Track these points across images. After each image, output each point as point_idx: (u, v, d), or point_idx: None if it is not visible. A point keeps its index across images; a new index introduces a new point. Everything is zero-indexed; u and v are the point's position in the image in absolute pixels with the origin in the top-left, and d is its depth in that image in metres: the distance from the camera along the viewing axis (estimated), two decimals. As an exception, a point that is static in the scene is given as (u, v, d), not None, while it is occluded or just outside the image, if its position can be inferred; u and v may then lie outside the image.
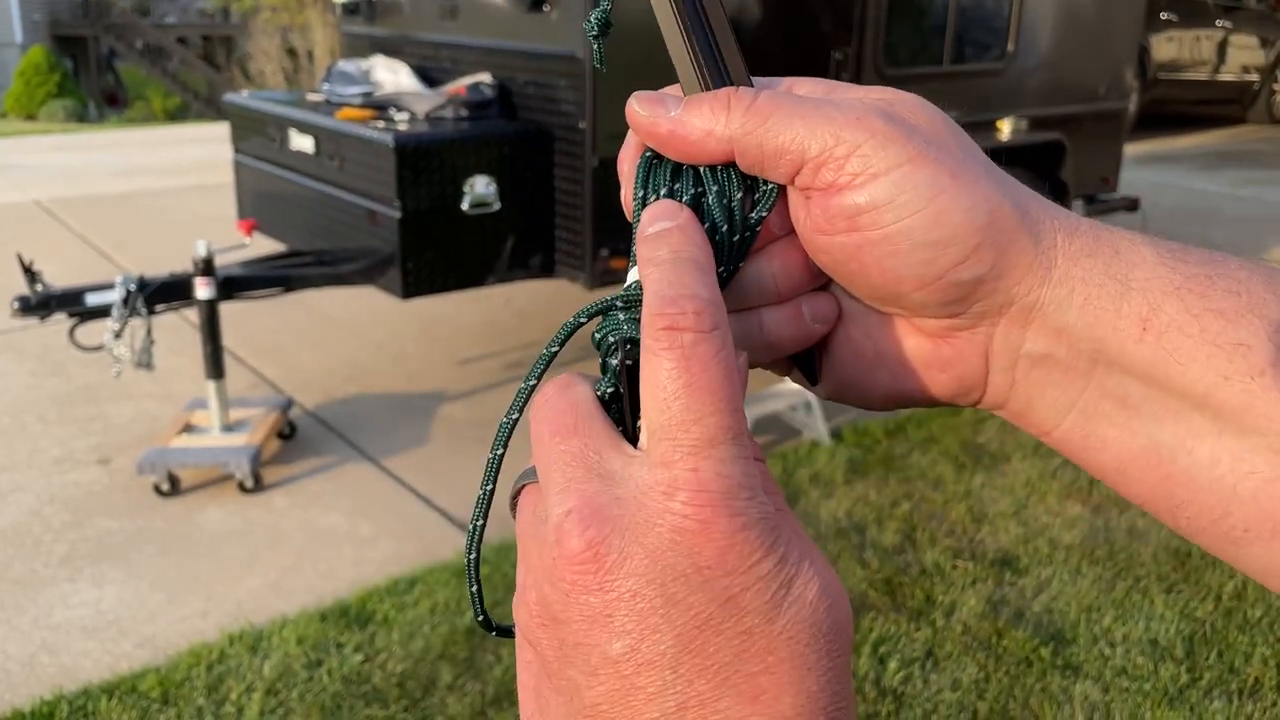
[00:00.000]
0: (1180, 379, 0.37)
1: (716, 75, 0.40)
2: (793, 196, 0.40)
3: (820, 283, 0.42)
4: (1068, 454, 0.41)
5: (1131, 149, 8.90)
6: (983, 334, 0.40)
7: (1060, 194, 5.22)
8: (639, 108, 0.40)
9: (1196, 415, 0.37)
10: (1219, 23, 12.39)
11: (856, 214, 0.37)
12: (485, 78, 4.17)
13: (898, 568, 3.23)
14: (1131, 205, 5.97)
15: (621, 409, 0.37)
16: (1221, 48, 12.47)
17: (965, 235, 0.37)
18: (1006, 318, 0.39)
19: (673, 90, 0.42)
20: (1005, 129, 4.96)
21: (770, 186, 0.40)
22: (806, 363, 0.44)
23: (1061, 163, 5.18)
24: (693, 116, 0.39)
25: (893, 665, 2.77)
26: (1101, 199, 5.92)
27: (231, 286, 3.85)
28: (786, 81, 0.42)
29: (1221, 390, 0.37)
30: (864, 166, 0.37)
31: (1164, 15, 11.54)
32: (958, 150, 0.38)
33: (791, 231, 0.41)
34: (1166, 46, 11.80)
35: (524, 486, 0.39)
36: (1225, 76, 12.76)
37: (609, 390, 0.38)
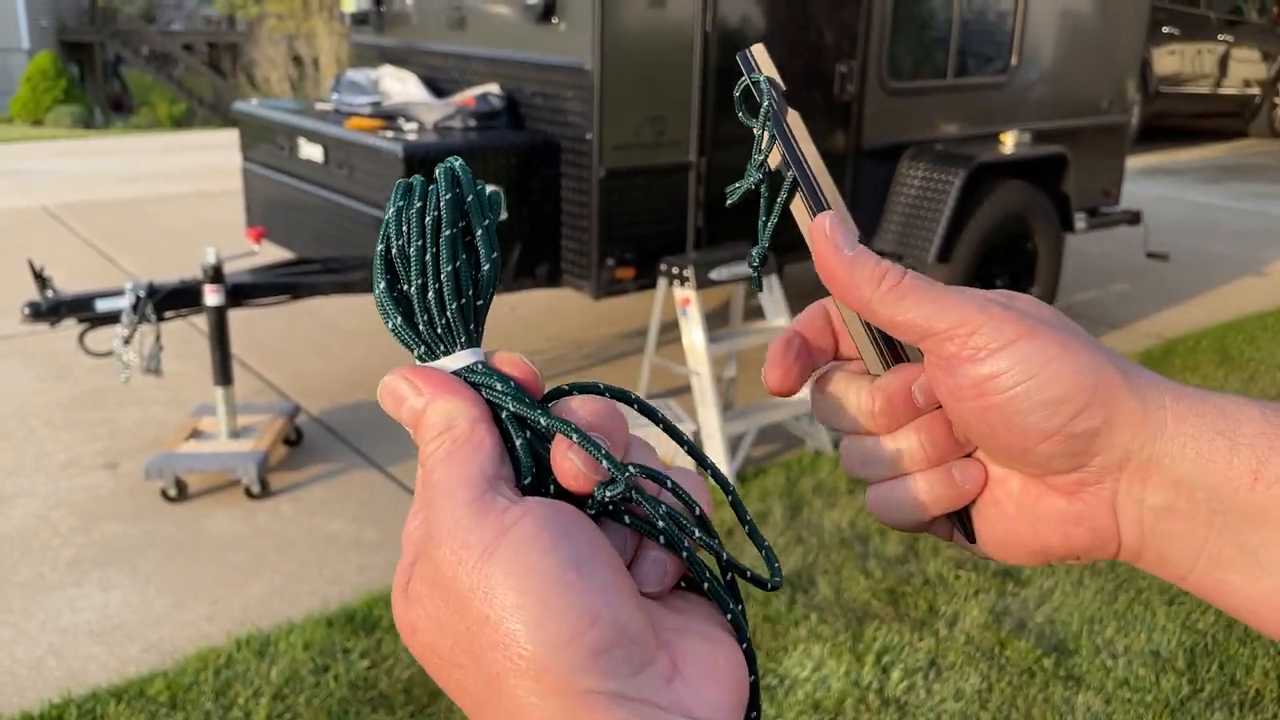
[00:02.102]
0: None
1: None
2: (931, 373, 0.47)
3: (967, 450, 0.49)
4: (1204, 598, 0.46)
5: (1134, 162, 8.94)
6: (1108, 488, 0.45)
7: (1062, 206, 5.25)
8: (828, 229, 0.47)
9: None
10: (1221, 36, 12.44)
11: (982, 382, 0.44)
12: (493, 88, 4.21)
13: (901, 578, 3.24)
14: (1133, 218, 6.00)
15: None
16: (1223, 61, 12.51)
17: (1076, 393, 0.43)
18: (1127, 472, 0.44)
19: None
20: (1008, 142, 4.99)
21: None
22: (963, 523, 0.50)
23: (1064, 175, 5.20)
24: (857, 272, 0.46)
25: (896, 674, 2.78)
26: (1103, 212, 5.94)
27: (240, 293, 3.88)
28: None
29: None
30: (985, 342, 0.43)
31: (1166, 29, 11.59)
32: (1065, 329, 0.45)
33: (938, 406, 0.48)
34: (1169, 60, 11.84)
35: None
36: (1227, 90, 12.80)
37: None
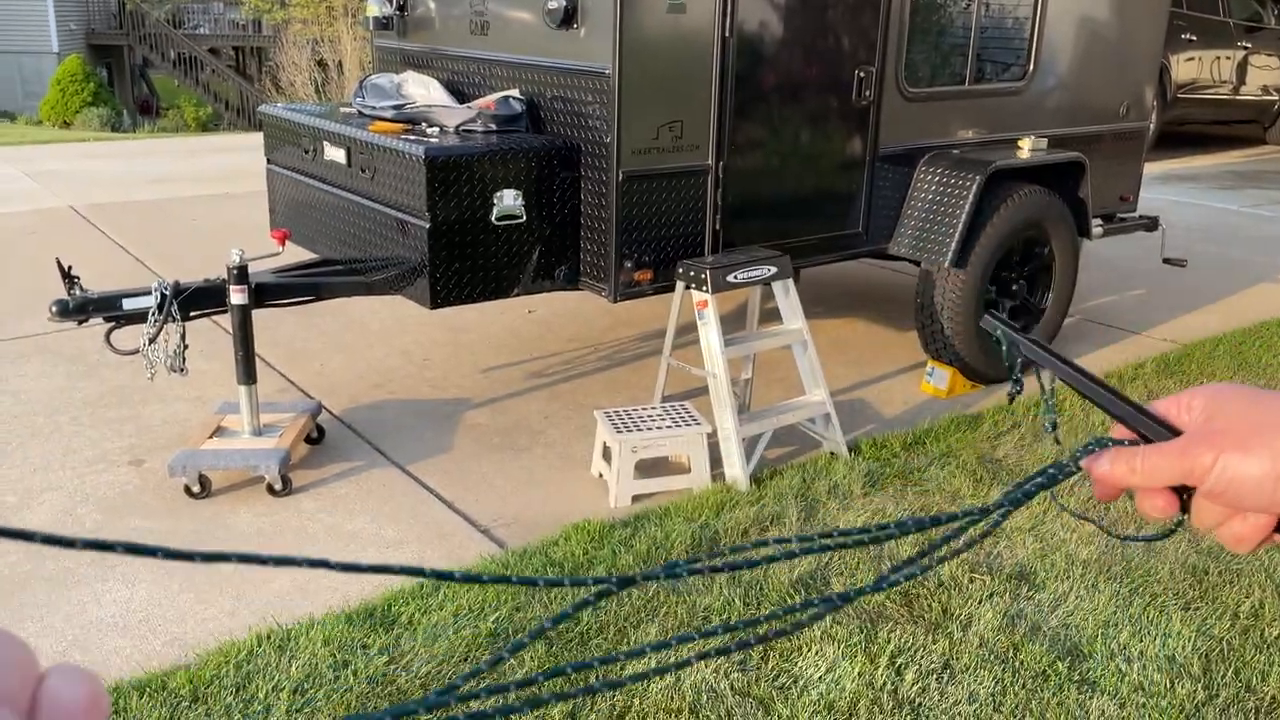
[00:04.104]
0: None
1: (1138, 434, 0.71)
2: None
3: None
4: None
5: (1151, 168, 8.89)
6: None
7: (1079, 212, 5.25)
8: (1092, 464, 0.69)
9: None
10: (1240, 43, 12.36)
11: (1211, 490, 0.64)
12: (514, 93, 4.25)
13: (915, 580, 3.26)
14: (1151, 224, 5.98)
15: None
16: (1242, 68, 12.43)
17: (1262, 478, 0.62)
18: None
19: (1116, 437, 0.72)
20: (1025, 148, 4.99)
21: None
22: None
23: (1081, 181, 5.20)
24: (1118, 473, 0.68)
25: (910, 676, 2.80)
26: (1121, 217, 5.93)
27: (264, 294, 3.94)
28: (1178, 401, 0.70)
29: None
30: (1203, 472, 0.64)
31: (1185, 35, 11.53)
32: (1252, 424, 0.63)
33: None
34: (1187, 66, 11.78)
35: None
36: (1245, 96, 12.72)
37: None
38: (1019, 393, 0.80)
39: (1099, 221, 5.54)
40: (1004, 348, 0.75)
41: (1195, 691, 2.79)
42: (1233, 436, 0.63)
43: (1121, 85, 5.70)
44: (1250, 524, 0.66)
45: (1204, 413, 0.66)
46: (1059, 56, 5.34)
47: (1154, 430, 0.69)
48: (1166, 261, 6.04)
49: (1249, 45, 12.43)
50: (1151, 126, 6.53)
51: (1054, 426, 0.77)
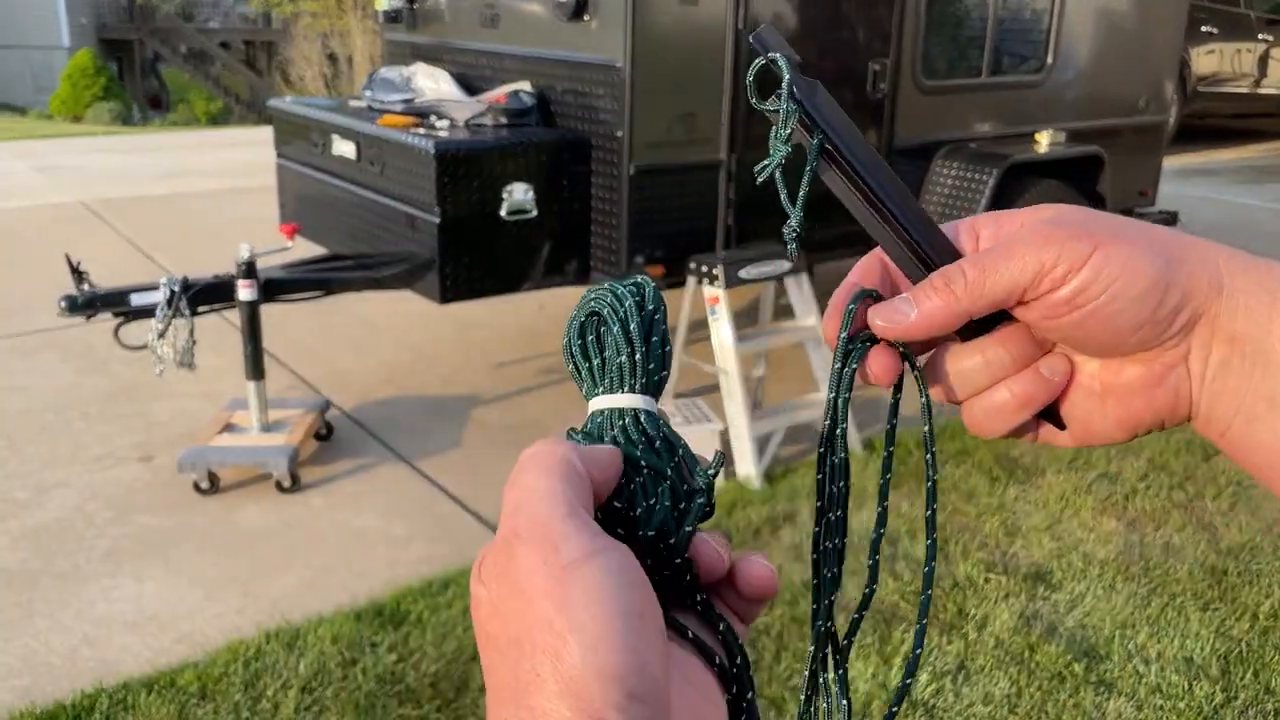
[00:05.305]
0: None
1: (922, 258, 0.51)
2: (1017, 308, 0.50)
3: (1048, 349, 0.52)
4: (1232, 455, 0.49)
5: (1170, 162, 8.81)
6: (1183, 349, 0.48)
7: (1098, 206, 5.18)
8: (884, 322, 0.49)
9: None
10: (1260, 36, 12.24)
11: (1073, 297, 0.47)
12: (525, 86, 4.22)
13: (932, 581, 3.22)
14: (1170, 219, 5.92)
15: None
16: (1263, 61, 12.31)
17: (1155, 279, 0.46)
18: (1197, 332, 0.48)
19: (866, 275, 0.52)
20: (1043, 141, 4.93)
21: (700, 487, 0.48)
22: (1051, 415, 0.53)
23: (1099, 175, 5.14)
24: (931, 311, 0.49)
25: (924, 677, 2.77)
26: (1139, 212, 5.87)
27: (273, 289, 3.91)
28: (966, 223, 0.52)
29: None
30: (1065, 269, 0.47)
31: (1205, 28, 11.42)
32: (1119, 225, 0.48)
33: (1015, 320, 0.51)
34: (1207, 59, 11.67)
35: None
36: (1267, 90, 12.59)
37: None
38: (782, 163, 0.51)
39: (1116, 216, 5.47)
40: (784, 83, 0.49)
41: (1214, 693, 2.75)
42: (1106, 229, 0.47)
43: (1140, 78, 5.63)
44: (1017, 394, 0.50)
45: (1011, 222, 0.50)
46: (1077, 49, 5.28)
47: (933, 253, 0.50)
48: (1184, 257, 5.96)
49: (1270, 38, 12.31)
50: (1171, 120, 6.46)
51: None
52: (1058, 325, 0.48)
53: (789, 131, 0.50)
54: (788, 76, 0.49)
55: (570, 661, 0.37)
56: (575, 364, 0.50)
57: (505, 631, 0.39)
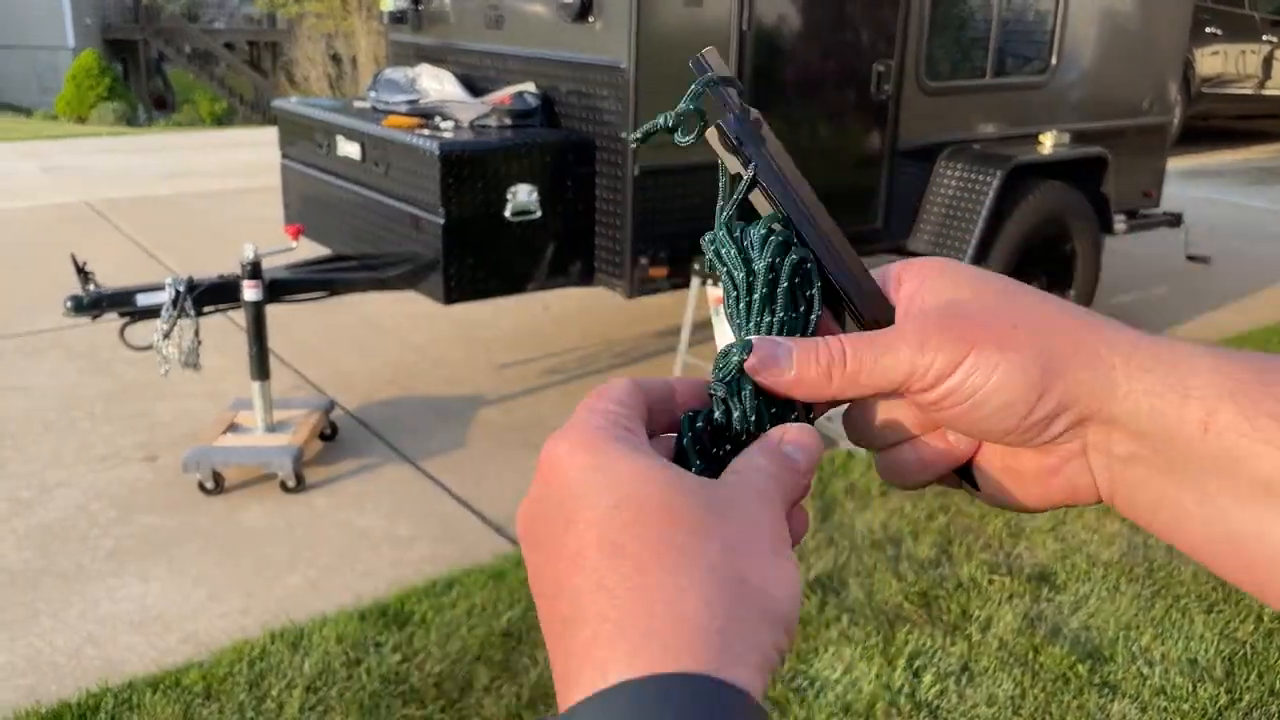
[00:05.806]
0: (1244, 473, 0.43)
1: (847, 306, 0.51)
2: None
3: None
4: (1169, 542, 0.48)
5: (1175, 164, 8.80)
6: (1077, 445, 0.48)
7: (1102, 208, 5.18)
8: (759, 365, 0.48)
9: (1266, 503, 0.43)
10: (1265, 37, 12.22)
11: (939, 400, 0.47)
12: (529, 87, 4.22)
13: (934, 581, 3.22)
14: (1174, 221, 5.91)
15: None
16: (1267, 62, 12.29)
17: (1026, 390, 0.46)
18: (1091, 429, 0.47)
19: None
20: (1047, 142, 4.93)
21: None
22: (967, 475, 0.53)
23: (1103, 177, 5.14)
24: (808, 380, 0.48)
25: (928, 678, 2.76)
26: (1144, 213, 5.86)
27: (278, 289, 3.92)
28: (895, 271, 0.51)
29: None
30: (937, 373, 0.46)
31: (1209, 29, 11.40)
32: (1006, 318, 0.47)
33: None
34: (1211, 61, 11.66)
35: None
36: (1271, 91, 12.58)
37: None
38: (694, 130, 0.53)
39: (1121, 217, 5.47)
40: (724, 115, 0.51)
41: (1218, 695, 2.74)
42: (990, 329, 0.46)
43: (1144, 79, 5.63)
44: (922, 456, 0.51)
45: (927, 291, 0.49)
46: (1081, 50, 5.27)
47: (868, 306, 0.50)
48: (1190, 259, 5.98)
49: (1275, 39, 12.29)
50: (1175, 121, 6.46)
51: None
52: (935, 415, 0.49)
53: (685, 131, 0.51)
54: (735, 113, 0.50)
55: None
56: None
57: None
